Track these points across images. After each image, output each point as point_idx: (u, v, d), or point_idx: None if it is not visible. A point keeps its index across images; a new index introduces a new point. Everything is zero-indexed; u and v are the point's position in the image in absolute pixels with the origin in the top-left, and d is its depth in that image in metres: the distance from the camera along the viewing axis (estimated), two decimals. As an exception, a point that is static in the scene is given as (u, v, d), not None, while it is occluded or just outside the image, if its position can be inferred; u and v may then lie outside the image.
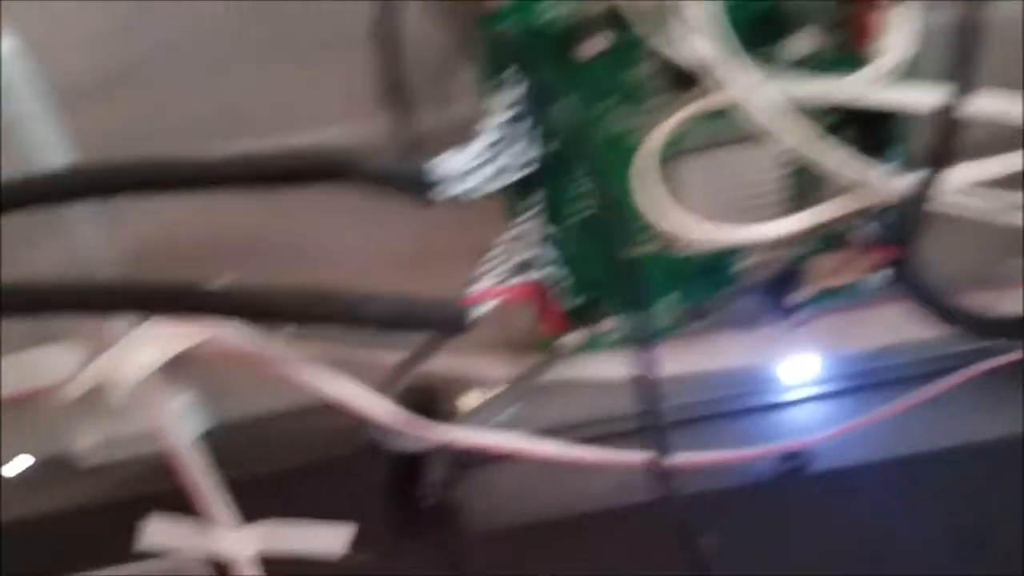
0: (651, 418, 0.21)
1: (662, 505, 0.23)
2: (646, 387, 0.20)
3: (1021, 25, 0.24)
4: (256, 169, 0.19)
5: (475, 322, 0.22)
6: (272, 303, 0.19)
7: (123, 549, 0.29)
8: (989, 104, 0.21)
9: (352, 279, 0.27)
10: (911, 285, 0.22)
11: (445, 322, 0.22)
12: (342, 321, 0.20)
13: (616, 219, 0.18)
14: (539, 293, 0.25)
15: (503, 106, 0.22)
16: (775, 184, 0.24)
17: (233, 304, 0.19)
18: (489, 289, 0.23)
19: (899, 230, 0.23)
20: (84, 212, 0.25)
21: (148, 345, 0.24)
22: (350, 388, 0.25)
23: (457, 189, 0.20)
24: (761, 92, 0.21)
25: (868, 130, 0.24)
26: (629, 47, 0.22)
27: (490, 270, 0.23)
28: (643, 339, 0.19)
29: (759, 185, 0.24)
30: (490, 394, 0.29)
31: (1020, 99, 0.22)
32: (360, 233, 0.27)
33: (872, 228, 0.24)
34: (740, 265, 0.26)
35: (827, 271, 0.26)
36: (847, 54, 0.23)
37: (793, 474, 0.28)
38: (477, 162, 0.21)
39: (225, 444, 0.28)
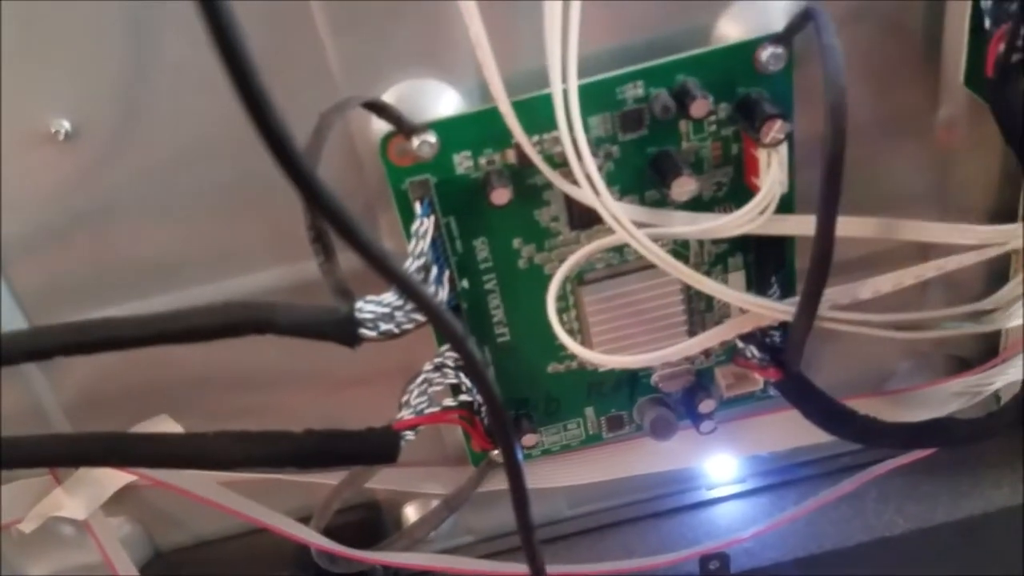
0: (526, 532, 0.21)
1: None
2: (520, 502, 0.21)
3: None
4: (184, 326, 0.20)
5: (402, 449, 0.23)
6: (198, 449, 0.20)
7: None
8: (858, 227, 0.23)
9: (291, 404, 0.28)
10: (795, 399, 0.24)
11: (374, 453, 0.23)
12: (268, 462, 0.21)
13: (472, 363, 0.19)
14: (464, 415, 0.26)
15: (419, 249, 0.24)
16: (675, 307, 0.26)
17: (162, 453, 0.20)
18: (415, 416, 0.25)
19: (782, 347, 0.25)
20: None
21: (92, 482, 0.25)
22: (279, 519, 0.26)
23: (377, 331, 0.22)
24: (645, 232, 0.23)
25: (758, 256, 0.26)
26: (534, 193, 0.25)
27: (415, 397, 0.25)
28: (513, 463, 0.21)
29: (660, 308, 0.26)
30: (428, 507, 0.30)
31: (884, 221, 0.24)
32: (297, 359, 0.28)
33: (759, 346, 0.26)
34: (652, 377, 0.28)
35: (732, 381, 0.28)
36: (732, 190, 0.25)
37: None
38: (396, 303, 0.23)
39: (168, 571, 0.29)
